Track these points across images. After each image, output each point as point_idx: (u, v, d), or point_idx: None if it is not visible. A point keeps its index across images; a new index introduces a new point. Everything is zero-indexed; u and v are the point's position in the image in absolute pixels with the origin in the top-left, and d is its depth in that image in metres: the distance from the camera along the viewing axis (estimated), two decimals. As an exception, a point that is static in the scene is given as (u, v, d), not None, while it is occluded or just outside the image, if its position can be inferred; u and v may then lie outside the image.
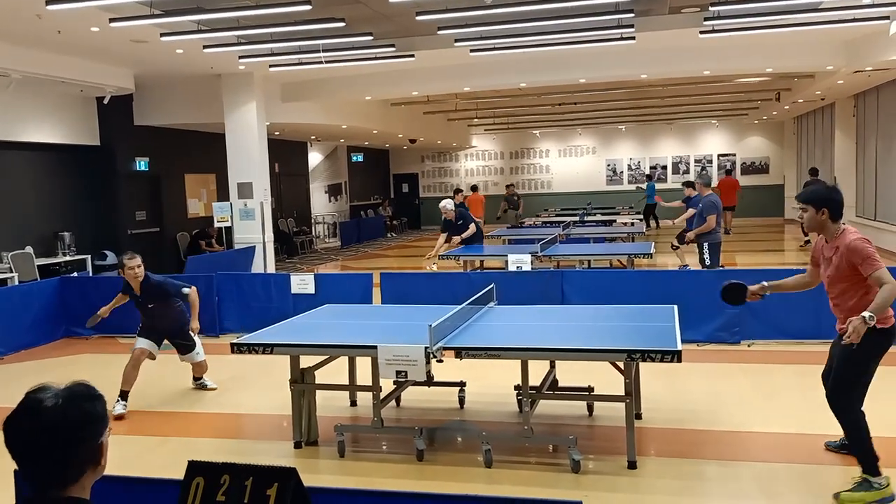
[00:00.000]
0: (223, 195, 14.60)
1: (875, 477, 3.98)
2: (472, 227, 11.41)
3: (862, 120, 16.80)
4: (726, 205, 16.63)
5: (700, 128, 25.43)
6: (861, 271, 3.99)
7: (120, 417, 6.02)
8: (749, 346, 7.51)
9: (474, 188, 18.92)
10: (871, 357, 4.06)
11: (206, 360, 6.74)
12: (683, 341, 4.50)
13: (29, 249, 11.49)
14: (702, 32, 9.68)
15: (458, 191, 15.32)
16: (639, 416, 5.35)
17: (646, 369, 5.94)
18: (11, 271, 10.67)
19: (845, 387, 4.08)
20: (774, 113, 21.71)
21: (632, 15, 8.79)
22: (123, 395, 6.17)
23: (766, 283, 4.48)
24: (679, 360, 4.21)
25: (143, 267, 6.28)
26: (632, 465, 4.54)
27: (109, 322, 9.24)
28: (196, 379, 6.87)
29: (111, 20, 8.30)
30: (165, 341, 6.57)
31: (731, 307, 7.43)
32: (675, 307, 5.43)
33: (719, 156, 25.51)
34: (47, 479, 1.67)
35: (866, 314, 3.82)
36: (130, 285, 6.36)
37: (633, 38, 9.90)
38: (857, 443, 4.04)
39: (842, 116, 17.82)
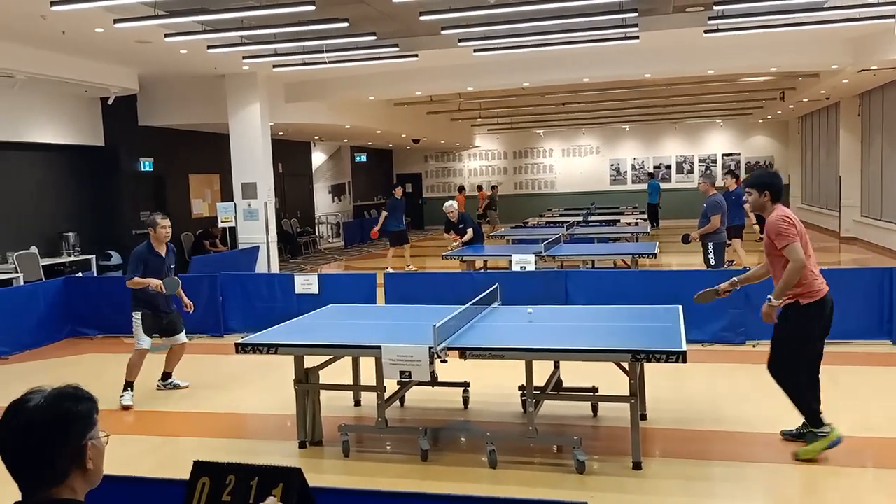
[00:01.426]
0: (227, 195, 14.62)
1: (819, 428, 4.38)
2: (470, 232, 11.88)
3: (867, 119, 16.74)
4: None
5: (704, 127, 25.39)
6: (776, 244, 4.38)
7: (127, 408, 6.16)
8: (754, 346, 7.48)
9: (461, 189, 19.03)
10: (807, 334, 4.42)
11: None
12: (688, 342, 4.49)
13: (34, 249, 11.52)
14: (706, 32, 9.66)
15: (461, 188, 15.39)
16: (644, 417, 5.33)
17: (650, 370, 5.92)
18: (16, 271, 10.69)
19: (787, 367, 4.42)
20: (779, 112, 21.66)
21: (635, 14, 8.77)
22: (129, 386, 6.29)
23: (735, 279, 4.83)
24: (684, 361, 4.19)
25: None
26: (637, 465, 4.53)
27: (113, 322, 9.32)
28: (166, 376, 6.78)
29: (115, 21, 8.31)
30: (157, 341, 6.56)
31: (734, 307, 7.50)
32: (680, 307, 5.42)
33: (723, 155, 25.46)
34: (31, 479, 1.67)
35: (770, 297, 4.39)
36: (153, 253, 6.42)
37: (637, 37, 9.88)
38: (798, 400, 4.38)
39: (847, 115, 17.76)
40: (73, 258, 12.25)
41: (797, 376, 4.42)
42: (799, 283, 4.33)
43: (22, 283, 10.36)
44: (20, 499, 1.70)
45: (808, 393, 4.39)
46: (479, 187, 19.72)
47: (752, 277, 4.94)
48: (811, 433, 4.34)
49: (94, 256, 12.71)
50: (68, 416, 1.69)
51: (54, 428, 1.67)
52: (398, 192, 14.74)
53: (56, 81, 10.83)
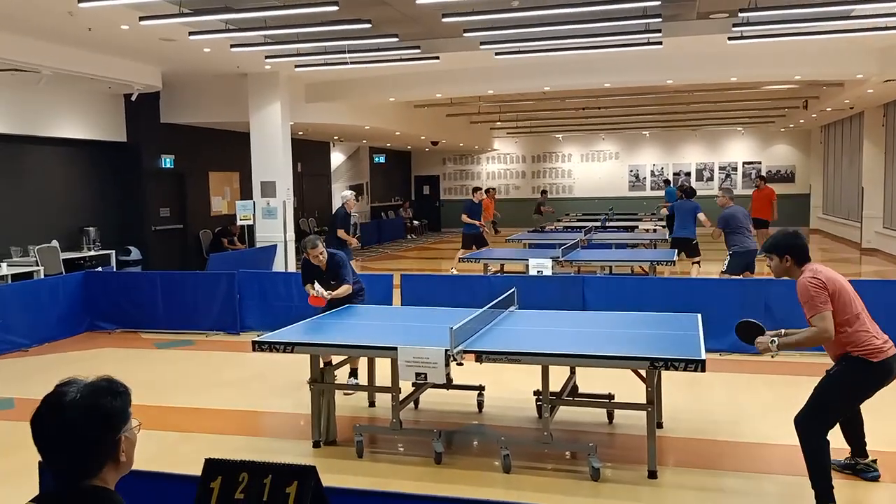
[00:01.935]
0: (246, 193, 14.70)
1: None
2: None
3: (891, 129, 16.52)
4: (760, 217, 15.22)
5: (725, 135, 25.19)
6: (805, 313, 3.95)
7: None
8: (773, 357, 7.37)
9: (488, 191, 19.12)
10: (852, 389, 3.98)
11: None
12: (706, 350, 4.44)
13: (55, 243, 11.64)
14: (730, 39, 9.57)
15: (476, 189, 15.18)
16: (660, 426, 5.29)
17: (667, 378, 5.88)
18: (38, 265, 10.80)
19: (817, 412, 3.95)
20: (801, 121, 21.44)
21: (659, 20, 8.71)
22: (353, 373, 6.42)
23: (777, 341, 4.11)
24: (703, 370, 4.16)
25: (325, 252, 6.25)
26: (652, 474, 4.49)
27: (132, 316, 9.40)
28: (352, 374, 6.50)
29: (141, 18, 8.39)
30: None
31: (754, 318, 7.39)
32: (699, 315, 5.37)
33: (744, 163, 25.24)
34: (67, 471, 1.69)
35: (775, 339, 4.03)
36: (313, 270, 6.33)
37: (660, 43, 9.82)
38: (816, 471, 3.91)
39: (870, 126, 17.54)
40: (93, 253, 12.36)
41: (822, 432, 3.91)
42: (855, 344, 3.90)
43: (43, 277, 10.48)
44: (40, 492, 1.71)
45: (828, 463, 3.93)
46: (489, 191, 19.50)
47: (795, 343, 4.07)
48: None
49: (113, 251, 12.82)
50: (105, 412, 1.71)
51: (91, 425, 1.68)
52: (477, 196, 14.27)
53: (81, 77, 10.94)
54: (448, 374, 4.51)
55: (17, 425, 5.61)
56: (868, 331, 3.96)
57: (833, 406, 4.01)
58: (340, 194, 11.67)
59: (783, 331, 4.23)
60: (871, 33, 9.41)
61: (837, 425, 4.21)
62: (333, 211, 11.53)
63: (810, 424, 3.94)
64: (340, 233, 10.77)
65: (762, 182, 16.93)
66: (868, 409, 4.41)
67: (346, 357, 5.79)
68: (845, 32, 9.50)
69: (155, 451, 5.11)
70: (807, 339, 3.96)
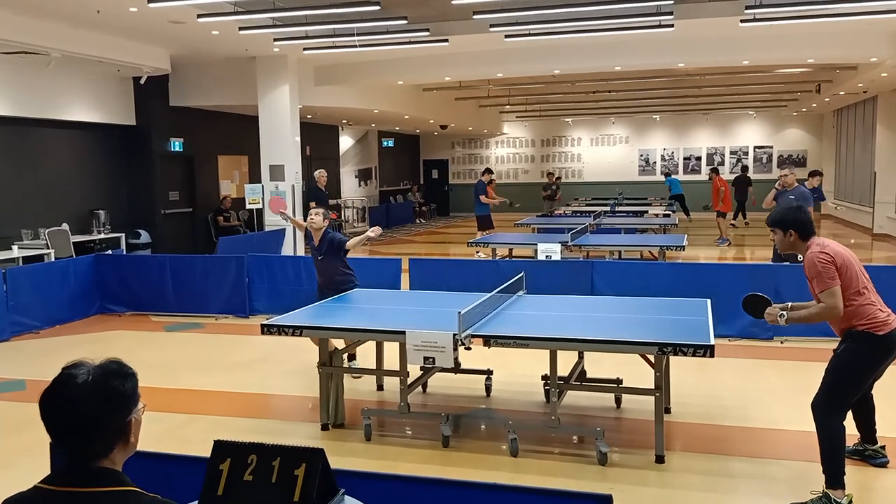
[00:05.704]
0: (255, 177, 14.71)
1: (836, 491, 3.86)
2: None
3: (906, 114, 16.35)
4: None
5: (737, 119, 24.98)
6: (814, 288, 3.93)
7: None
8: (782, 342, 7.37)
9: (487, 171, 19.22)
10: (861, 365, 3.95)
11: None
12: (715, 336, 4.43)
13: (65, 226, 11.69)
14: (742, 21, 9.46)
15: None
16: (668, 411, 5.29)
17: (675, 363, 5.86)
18: (48, 247, 10.86)
19: (831, 394, 3.95)
20: (814, 105, 21.22)
21: (671, 2, 8.62)
22: (352, 359, 6.44)
23: (787, 314, 4.05)
24: (712, 355, 4.14)
25: (324, 221, 6.21)
26: (660, 459, 4.50)
27: (142, 299, 9.46)
28: (351, 357, 6.50)
29: (149, 0, 8.36)
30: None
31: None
32: (708, 301, 5.35)
33: (755, 147, 25.05)
34: (77, 452, 1.70)
35: (784, 313, 3.97)
36: (308, 237, 6.44)
37: (672, 25, 9.72)
38: (829, 454, 3.89)
39: (884, 110, 17.35)
40: (103, 236, 12.42)
41: (838, 414, 3.91)
42: (861, 317, 3.88)
43: (53, 259, 10.53)
44: (60, 466, 1.73)
45: (842, 447, 3.92)
46: (488, 171, 19.57)
47: (803, 318, 4.03)
48: (826, 496, 3.84)
49: (123, 234, 12.87)
50: (116, 394, 1.72)
51: (103, 407, 1.69)
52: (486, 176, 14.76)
53: (90, 60, 10.94)
54: (456, 359, 4.51)
55: (28, 406, 5.66)
56: (873, 304, 3.94)
57: (845, 385, 3.98)
58: (314, 173, 12.71)
59: (790, 304, 4.20)
60: (886, 16, 9.27)
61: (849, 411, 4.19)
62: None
63: (826, 407, 3.94)
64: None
65: (714, 174, 16.96)
66: (877, 394, 4.39)
67: (353, 341, 5.80)
68: (859, 14, 9.37)
69: (164, 432, 5.15)
70: (815, 314, 3.95)
